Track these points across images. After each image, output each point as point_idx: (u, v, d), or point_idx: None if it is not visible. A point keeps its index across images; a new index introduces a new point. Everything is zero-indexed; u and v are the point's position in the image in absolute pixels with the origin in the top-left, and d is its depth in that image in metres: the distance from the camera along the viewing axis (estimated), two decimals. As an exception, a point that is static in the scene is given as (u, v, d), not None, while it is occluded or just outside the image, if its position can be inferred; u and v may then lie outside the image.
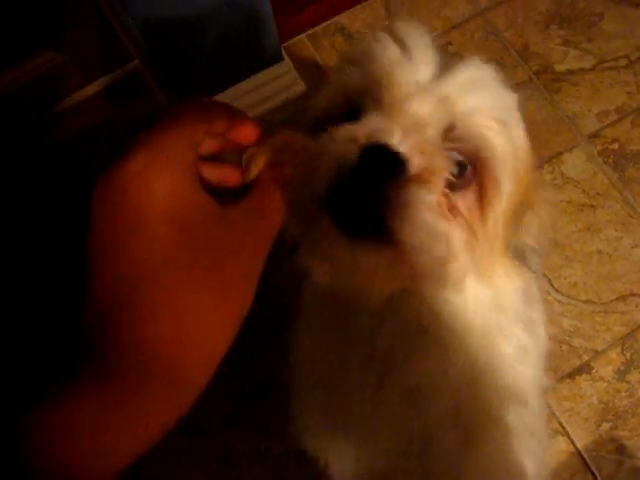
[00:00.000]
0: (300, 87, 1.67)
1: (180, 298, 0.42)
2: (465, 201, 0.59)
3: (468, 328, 0.65)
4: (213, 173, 0.51)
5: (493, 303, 0.67)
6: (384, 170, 0.51)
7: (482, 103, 0.57)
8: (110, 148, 0.84)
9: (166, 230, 0.42)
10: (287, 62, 1.65)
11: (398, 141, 0.52)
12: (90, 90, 0.70)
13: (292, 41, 1.76)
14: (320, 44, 1.76)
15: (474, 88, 0.58)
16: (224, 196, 0.48)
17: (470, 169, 0.59)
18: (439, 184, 0.54)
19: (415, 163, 0.52)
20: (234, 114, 0.53)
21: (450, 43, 1.72)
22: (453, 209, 0.57)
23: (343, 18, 1.78)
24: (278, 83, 1.63)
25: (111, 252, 0.41)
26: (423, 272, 0.55)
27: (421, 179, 0.52)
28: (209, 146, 0.50)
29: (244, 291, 0.47)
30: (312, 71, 1.71)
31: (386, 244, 0.53)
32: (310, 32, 1.77)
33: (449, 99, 0.56)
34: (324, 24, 1.78)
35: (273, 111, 1.65)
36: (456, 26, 1.75)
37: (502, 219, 0.60)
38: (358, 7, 1.79)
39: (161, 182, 0.42)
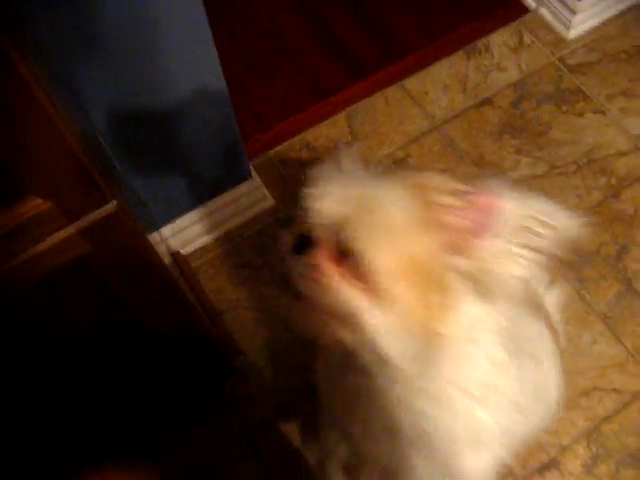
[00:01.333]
0: (269, 202, 1.75)
1: None
2: (352, 271, 0.73)
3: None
4: None
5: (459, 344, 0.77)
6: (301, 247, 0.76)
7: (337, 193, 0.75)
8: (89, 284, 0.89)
9: None
10: (255, 179, 1.73)
11: (308, 230, 0.75)
12: (69, 230, 0.76)
13: (260, 158, 1.85)
14: (287, 160, 1.85)
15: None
16: None
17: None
18: (323, 254, 0.74)
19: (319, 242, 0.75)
20: None
21: (410, 155, 1.82)
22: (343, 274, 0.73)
23: (308, 135, 1.89)
24: (247, 199, 1.71)
25: None
26: (332, 316, 0.73)
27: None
28: None
29: None
30: (280, 186, 1.80)
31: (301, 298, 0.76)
32: (277, 149, 1.87)
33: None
34: (290, 141, 1.88)
35: (242, 226, 1.72)
36: (414, 140, 1.86)
37: (394, 278, 0.70)
38: (322, 124, 1.90)
39: None
